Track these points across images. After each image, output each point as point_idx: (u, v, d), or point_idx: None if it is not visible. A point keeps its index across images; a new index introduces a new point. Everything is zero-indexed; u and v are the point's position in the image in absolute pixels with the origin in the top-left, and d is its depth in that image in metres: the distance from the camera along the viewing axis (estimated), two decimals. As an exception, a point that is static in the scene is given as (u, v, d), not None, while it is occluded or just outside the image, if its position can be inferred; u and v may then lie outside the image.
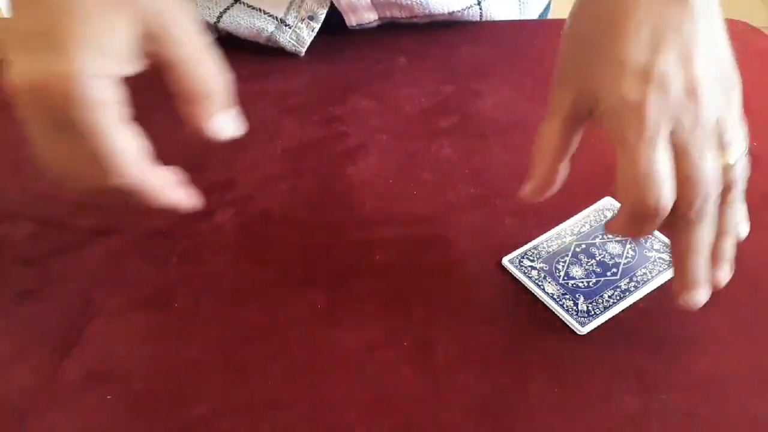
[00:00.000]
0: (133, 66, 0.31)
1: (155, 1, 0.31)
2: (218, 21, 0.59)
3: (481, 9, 0.63)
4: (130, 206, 0.47)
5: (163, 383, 0.37)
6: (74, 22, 0.30)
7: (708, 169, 0.33)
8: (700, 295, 0.36)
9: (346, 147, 0.52)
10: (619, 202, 0.34)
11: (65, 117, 0.30)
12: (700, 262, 0.35)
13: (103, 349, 0.39)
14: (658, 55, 0.33)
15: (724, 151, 0.34)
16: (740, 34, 0.63)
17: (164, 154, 0.51)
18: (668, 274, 0.41)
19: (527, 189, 0.38)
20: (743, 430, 0.35)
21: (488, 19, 0.65)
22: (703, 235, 0.35)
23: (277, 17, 0.58)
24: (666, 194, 0.32)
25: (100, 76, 0.30)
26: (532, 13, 0.70)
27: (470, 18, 0.64)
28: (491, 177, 0.49)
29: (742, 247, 0.43)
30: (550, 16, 0.77)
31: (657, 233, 0.44)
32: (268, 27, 0.58)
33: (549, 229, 0.45)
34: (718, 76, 0.34)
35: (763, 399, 0.36)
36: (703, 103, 0.33)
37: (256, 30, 0.59)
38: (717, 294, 0.41)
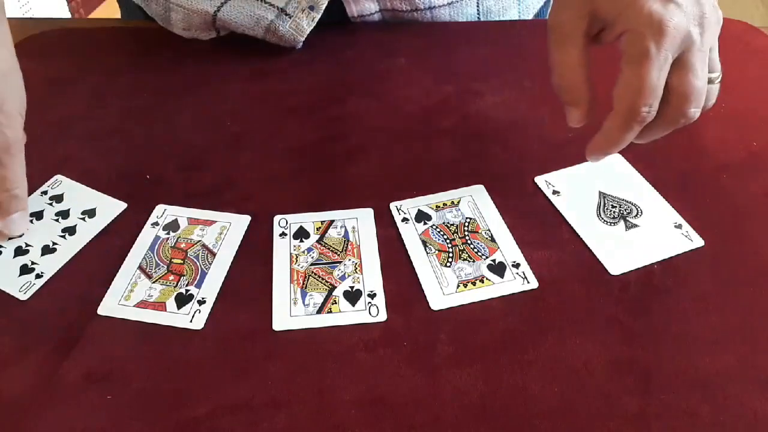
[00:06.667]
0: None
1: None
2: (218, 11, 0.59)
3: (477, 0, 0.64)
4: (129, 207, 0.47)
5: (162, 383, 0.37)
6: None
7: (704, 86, 0.39)
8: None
9: (346, 147, 0.52)
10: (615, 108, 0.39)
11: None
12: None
13: (103, 349, 0.39)
14: None
15: (710, 74, 0.40)
16: (740, 34, 0.63)
17: (165, 154, 0.52)
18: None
19: (572, 117, 0.43)
20: (743, 430, 0.35)
21: (485, 10, 0.65)
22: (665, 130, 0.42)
23: (277, 6, 0.59)
24: (656, 104, 0.39)
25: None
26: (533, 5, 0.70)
27: (467, 9, 0.64)
28: (491, 177, 0.49)
29: (742, 247, 0.44)
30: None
31: None
32: (268, 15, 0.59)
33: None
34: (714, 12, 0.40)
35: (763, 399, 0.36)
36: (707, 31, 0.39)
37: (255, 18, 0.59)
38: (717, 294, 0.41)
